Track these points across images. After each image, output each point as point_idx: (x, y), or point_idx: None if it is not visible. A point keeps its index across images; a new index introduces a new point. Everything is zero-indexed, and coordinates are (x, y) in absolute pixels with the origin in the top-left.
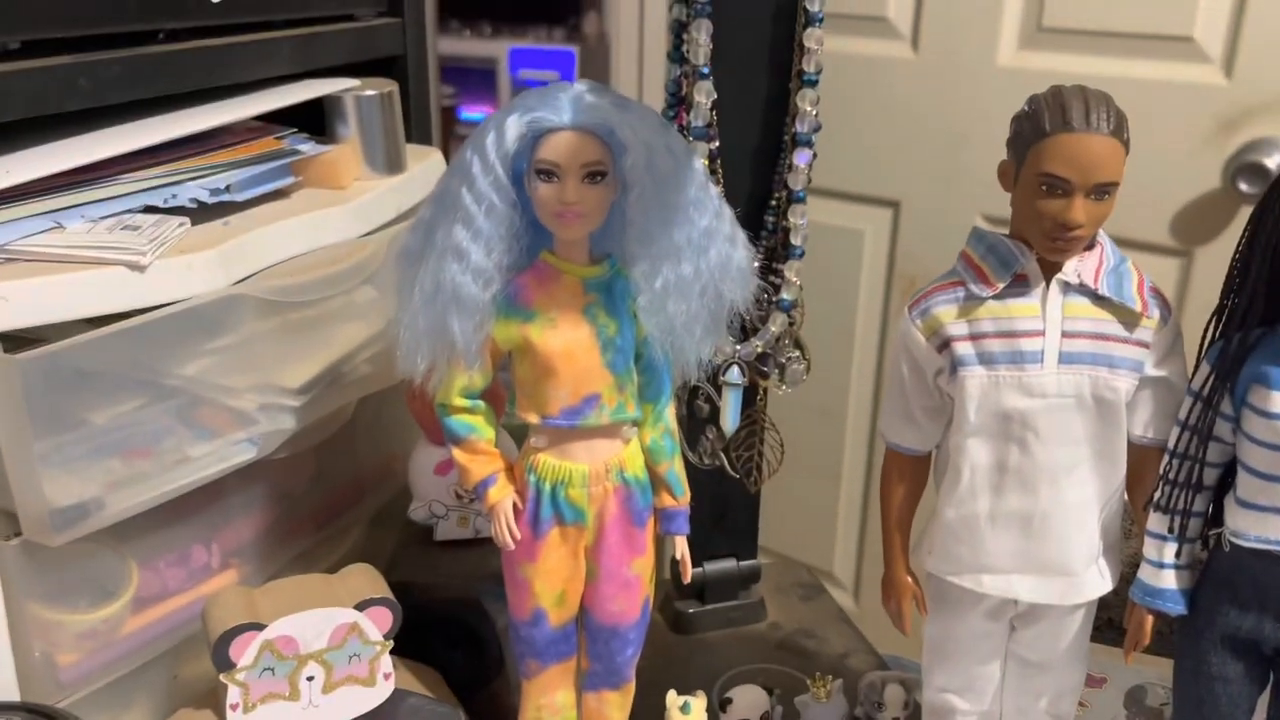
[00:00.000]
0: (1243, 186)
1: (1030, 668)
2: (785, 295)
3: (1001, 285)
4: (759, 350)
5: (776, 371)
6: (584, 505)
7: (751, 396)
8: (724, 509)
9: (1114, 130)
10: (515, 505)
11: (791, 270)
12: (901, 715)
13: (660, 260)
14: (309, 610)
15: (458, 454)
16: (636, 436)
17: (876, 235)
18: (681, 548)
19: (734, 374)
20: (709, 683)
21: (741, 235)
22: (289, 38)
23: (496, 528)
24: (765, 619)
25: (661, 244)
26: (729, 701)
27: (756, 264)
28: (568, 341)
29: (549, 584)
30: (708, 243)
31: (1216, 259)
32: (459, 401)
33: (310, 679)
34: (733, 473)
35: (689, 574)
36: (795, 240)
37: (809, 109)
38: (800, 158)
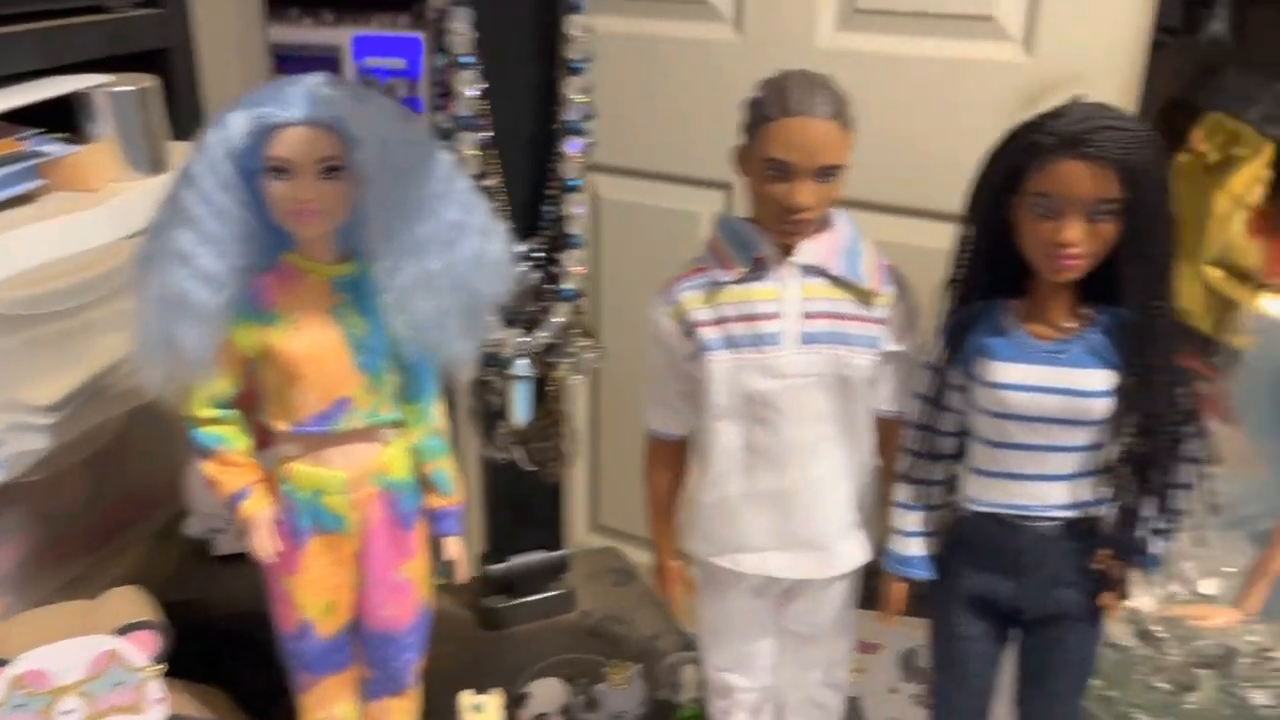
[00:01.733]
0: None
1: (800, 640)
2: (566, 285)
3: (743, 270)
4: (545, 342)
5: (569, 361)
6: (344, 512)
7: (543, 388)
8: (527, 502)
9: (834, 113)
10: (274, 517)
11: (571, 260)
12: (700, 695)
13: (403, 256)
14: (61, 641)
15: (208, 467)
16: (400, 438)
17: (710, 217)
18: (453, 549)
19: (520, 366)
20: (517, 678)
21: (498, 228)
22: (32, 31)
23: (254, 541)
24: (576, 608)
25: (403, 239)
26: (526, 697)
27: (535, 254)
28: (314, 344)
29: (313, 595)
30: (457, 236)
31: None
32: (205, 412)
33: (68, 713)
34: (526, 465)
35: (464, 575)
36: (572, 230)
37: (576, 97)
38: (570, 146)
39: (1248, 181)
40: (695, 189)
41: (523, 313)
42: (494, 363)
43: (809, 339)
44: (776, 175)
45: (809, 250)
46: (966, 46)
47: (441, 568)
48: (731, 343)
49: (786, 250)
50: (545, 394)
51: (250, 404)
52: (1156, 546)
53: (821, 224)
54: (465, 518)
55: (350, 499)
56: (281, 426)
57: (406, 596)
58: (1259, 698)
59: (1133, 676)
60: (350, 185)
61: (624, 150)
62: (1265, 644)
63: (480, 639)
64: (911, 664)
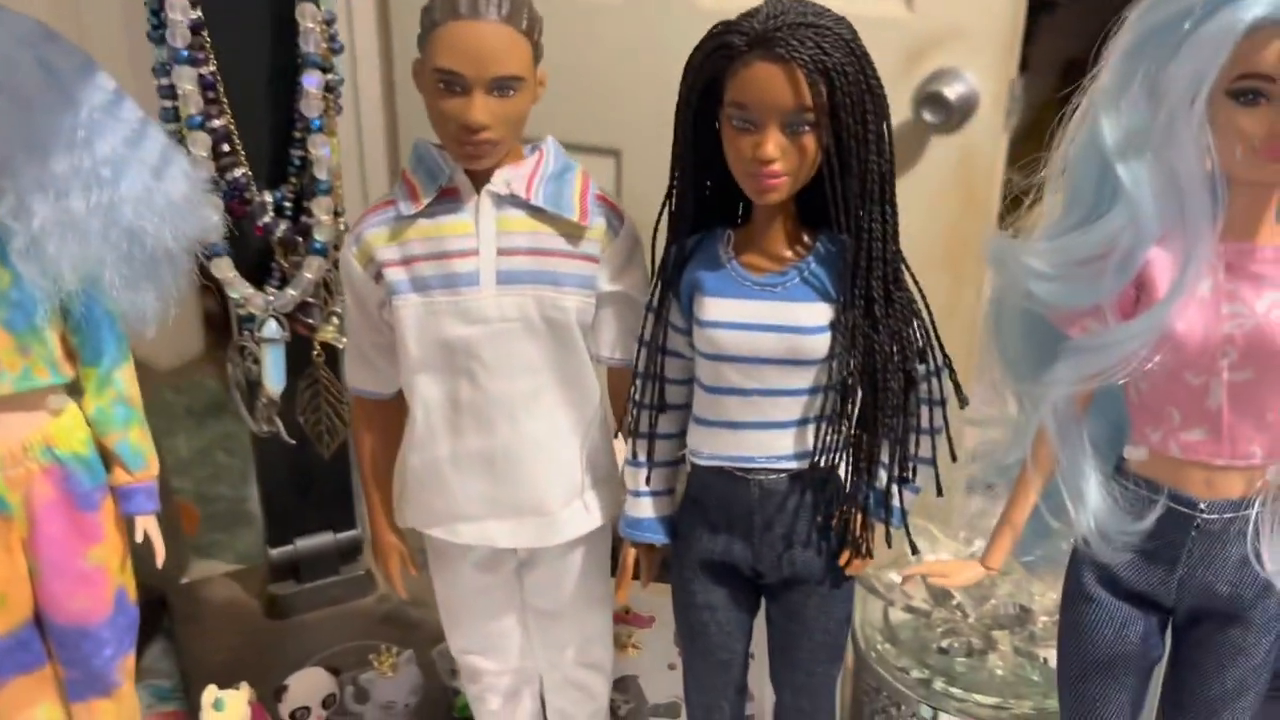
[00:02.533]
0: (927, 117)
1: (545, 617)
2: (318, 237)
3: (427, 200)
4: (297, 300)
5: (334, 322)
6: (3, 492)
7: (307, 352)
8: (309, 479)
9: (508, 17)
10: None
11: (320, 208)
12: None
13: (30, 194)
14: None
15: None
16: (73, 405)
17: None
18: (144, 527)
19: (270, 328)
20: (299, 669)
21: (179, 165)
22: None
23: None
24: (374, 592)
25: (30, 175)
26: (284, 690)
27: (283, 204)
28: None
29: None
30: (114, 174)
31: (907, 189)
32: None
33: None
34: (287, 438)
35: (161, 557)
36: (319, 174)
37: (312, 25)
38: (308, 80)
39: None
40: (585, 156)
41: (272, 267)
42: (249, 325)
43: (506, 278)
44: (448, 89)
45: (505, 178)
46: (847, 3)
47: None
48: (421, 284)
49: (479, 178)
50: (309, 359)
51: None
52: (897, 498)
53: (522, 150)
54: (155, 494)
55: (7, 476)
56: None
57: (97, 586)
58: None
59: (931, 642)
60: None
61: None
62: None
63: (264, 629)
64: None
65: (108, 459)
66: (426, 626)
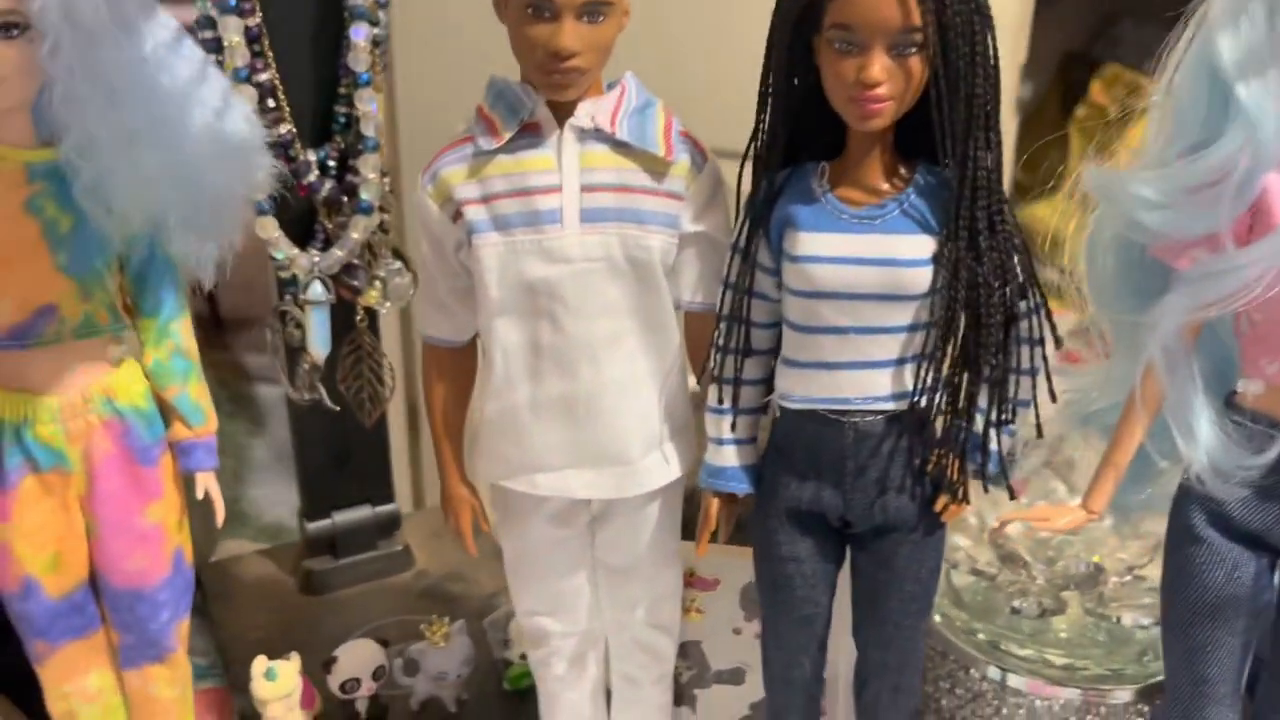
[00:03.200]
0: None
1: (617, 575)
2: (364, 195)
3: (509, 135)
4: (343, 261)
5: (378, 286)
6: (61, 445)
7: (350, 317)
8: (347, 450)
9: None
10: None
11: (367, 166)
12: None
13: (97, 131)
14: None
15: None
16: (133, 357)
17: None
18: (205, 484)
19: (315, 290)
20: (339, 645)
21: (240, 108)
22: None
23: None
24: (412, 567)
25: (97, 110)
26: (333, 662)
27: (327, 162)
28: (3, 243)
29: (34, 546)
30: (179, 112)
31: None
32: None
33: None
34: (331, 405)
35: (221, 516)
36: (367, 130)
37: None
38: (356, 33)
39: None
40: None
41: (316, 228)
42: (291, 289)
43: (590, 216)
44: (536, 14)
45: (589, 111)
46: None
47: None
48: (502, 223)
49: (562, 112)
50: (352, 324)
51: None
52: (995, 442)
53: (602, 84)
54: (214, 450)
55: (67, 429)
56: None
57: (155, 546)
58: (1128, 618)
59: (998, 604)
60: (35, 47)
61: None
62: (1133, 562)
63: (300, 605)
64: (754, 600)
65: (166, 413)
66: (467, 601)
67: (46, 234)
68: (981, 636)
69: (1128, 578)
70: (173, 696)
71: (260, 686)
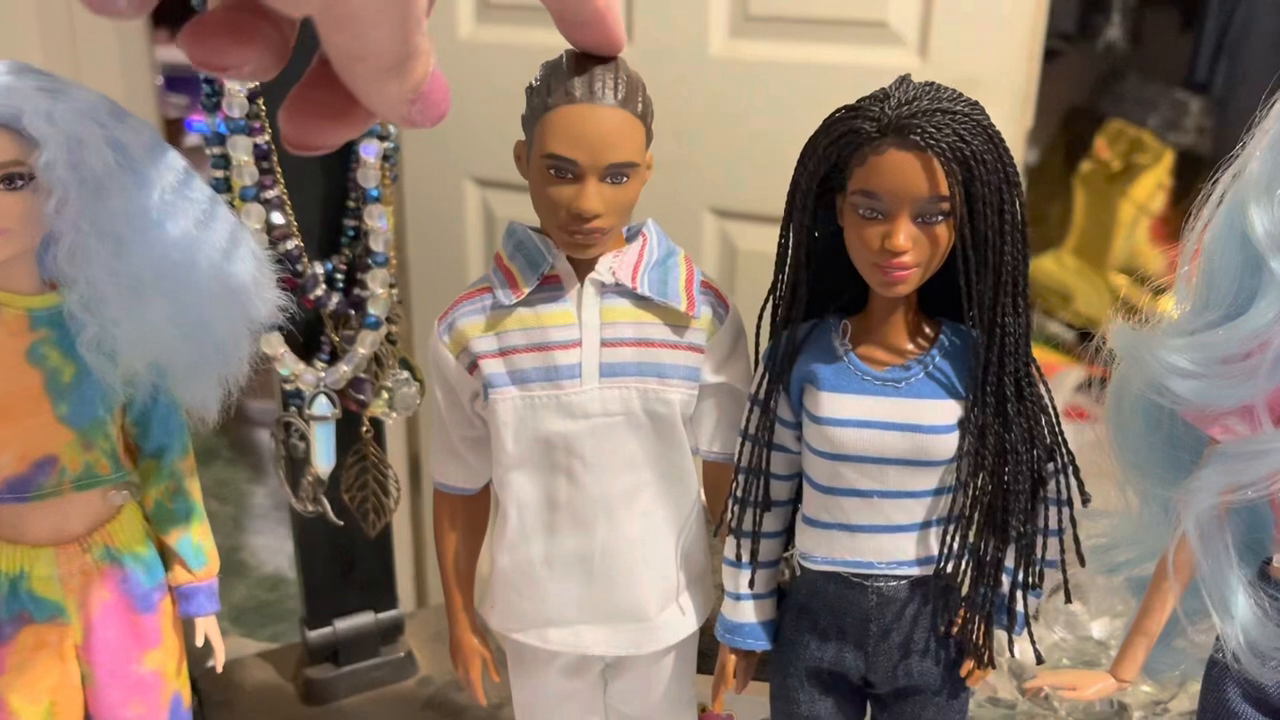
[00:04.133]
0: None
1: None
2: (372, 310)
3: (529, 289)
4: (349, 376)
5: (384, 396)
6: (58, 596)
7: (355, 428)
8: (352, 558)
9: (623, 101)
10: None
11: (376, 281)
12: None
13: (103, 283)
14: None
15: None
16: (134, 500)
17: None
18: (205, 629)
19: (321, 405)
20: None
21: (247, 246)
22: None
23: None
24: (415, 674)
25: (103, 262)
26: None
27: (335, 276)
28: (2, 394)
29: (29, 698)
30: (186, 257)
31: None
32: None
33: None
34: (334, 519)
35: (221, 661)
36: (376, 245)
37: None
38: (366, 150)
39: (1150, 189)
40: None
41: (322, 341)
42: (296, 401)
43: (610, 370)
44: (559, 175)
45: (609, 265)
46: (861, 52)
47: None
48: (520, 377)
49: (582, 266)
50: (357, 435)
51: None
52: (1020, 604)
53: (625, 235)
54: (216, 594)
55: (63, 577)
56: None
57: (152, 693)
58: None
59: None
60: (40, 198)
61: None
62: (1158, 696)
63: (302, 715)
64: None
65: (166, 557)
66: (472, 711)
67: (48, 385)
68: None
69: (1153, 713)
70: None
71: None
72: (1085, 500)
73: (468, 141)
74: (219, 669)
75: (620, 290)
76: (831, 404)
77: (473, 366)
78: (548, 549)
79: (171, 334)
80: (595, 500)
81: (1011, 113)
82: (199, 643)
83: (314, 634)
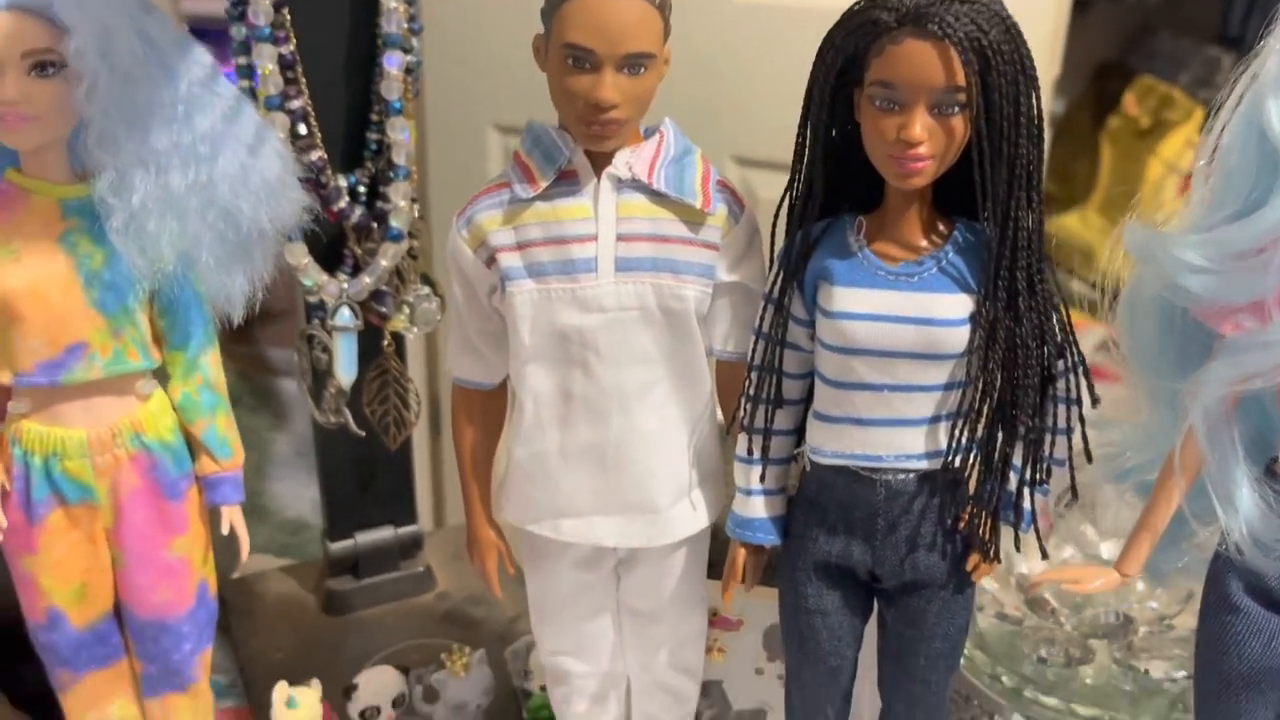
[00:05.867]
0: None
1: (642, 618)
2: (394, 223)
3: (545, 183)
4: (371, 288)
5: (405, 311)
6: (89, 479)
7: (377, 342)
8: (372, 472)
9: None
10: (2, 486)
11: (398, 193)
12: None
13: (131, 170)
14: None
15: None
16: (160, 391)
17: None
18: (230, 518)
19: (344, 316)
20: (359, 668)
21: (273, 144)
22: None
23: None
24: (433, 589)
25: (131, 150)
26: (354, 689)
27: (358, 188)
28: (36, 279)
29: (59, 578)
30: (213, 150)
31: None
32: None
33: None
34: (356, 430)
35: (245, 552)
36: (398, 158)
37: (394, 4)
38: (389, 61)
39: (1179, 147)
40: None
41: (345, 254)
42: (319, 313)
43: (625, 265)
44: (576, 65)
45: (626, 160)
46: None
47: None
48: (537, 270)
49: (599, 161)
50: (379, 349)
51: None
52: (1027, 501)
53: (642, 133)
54: (241, 484)
55: (94, 464)
56: (4, 377)
57: (180, 579)
58: (1157, 669)
59: (1023, 650)
60: (70, 86)
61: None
62: (1164, 611)
63: (322, 625)
64: (777, 640)
65: (193, 447)
66: (489, 625)
67: (80, 270)
68: (1006, 682)
69: (1158, 628)
70: None
71: (282, 715)
72: (1095, 401)
73: (490, 87)
74: (244, 558)
75: (636, 185)
76: (845, 298)
77: (490, 260)
78: (563, 441)
79: (197, 223)
80: (609, 393)
81: (1038, 59)
82: (224, 530)
83: (335, 546)
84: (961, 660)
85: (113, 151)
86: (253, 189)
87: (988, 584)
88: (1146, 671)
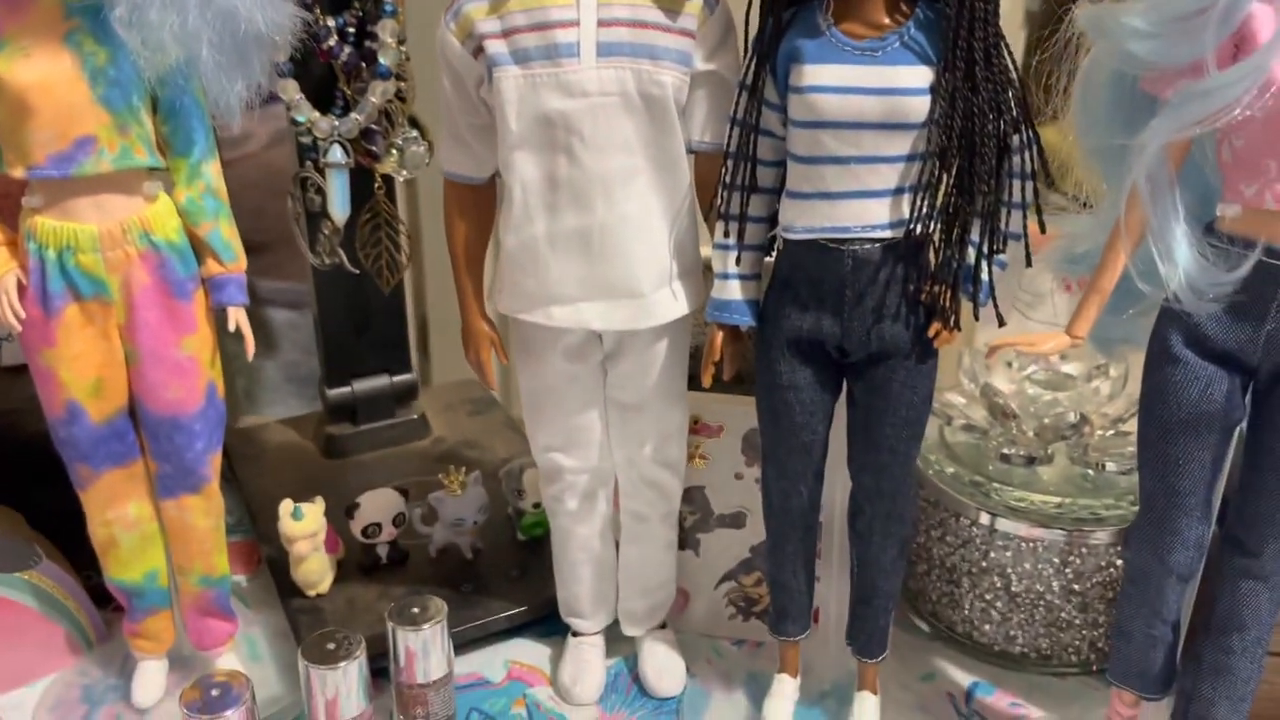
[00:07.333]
0: None
1: (628, 411)
2: (382, 60)
3: None
4: (360, 125)
5: (394, 154)
6: (102, 274)
7: (368, 185)
8: (366, 319)
9: None
10: (20, 281)
11: (385, 31)
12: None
13: None
14: None
15: None
16: (166, 194)
17: None
18: (236, 318)
19: (335, 153)
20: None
21: None
22: None
23: None
24: (429, 435)
25: None
26: (355, 507)
27: (347, 28)
28: (45, 74)
29: (77, 371)
30: None
31: None
32: None
33: None
34: (351, 268)
35: (251, 350)
36: None
37: None
38: None
39: None
40: None
41: (335, 95)
42: (311, 155)
43: (606, 50)
44: None
45: None
46: None
47: None
48: (522, 56)
49: None
50: (370, 192)
51: None
52: (985, 272)
53: None
54: (245, 286)
55: (106, 259)
56: (18, 171)
57: (190, 376)
58: (1112, 465)
59: (989, 458)
60: None
61: None
62: (1117, 415)
63: (323, 466)
64: (755, 446)
65: (198, 251)
66: (482, 464)
67: (85, 66)
68: (972, 483)
69: (1111, 431)
70: (208, 526)
71: (287, 524)
72: (1049, 179)
73: None
74: (249, 355)
75: None
76: (814, 74)
77: (478, 50)
78: (550, 227)
79: (197, 20)
80: (594, 179)
81: None
82: (230, 328)
83: (333, 393)
84: (931, 470)
85: None
86: None
87: (955, 398)
88: (1102, 468)
